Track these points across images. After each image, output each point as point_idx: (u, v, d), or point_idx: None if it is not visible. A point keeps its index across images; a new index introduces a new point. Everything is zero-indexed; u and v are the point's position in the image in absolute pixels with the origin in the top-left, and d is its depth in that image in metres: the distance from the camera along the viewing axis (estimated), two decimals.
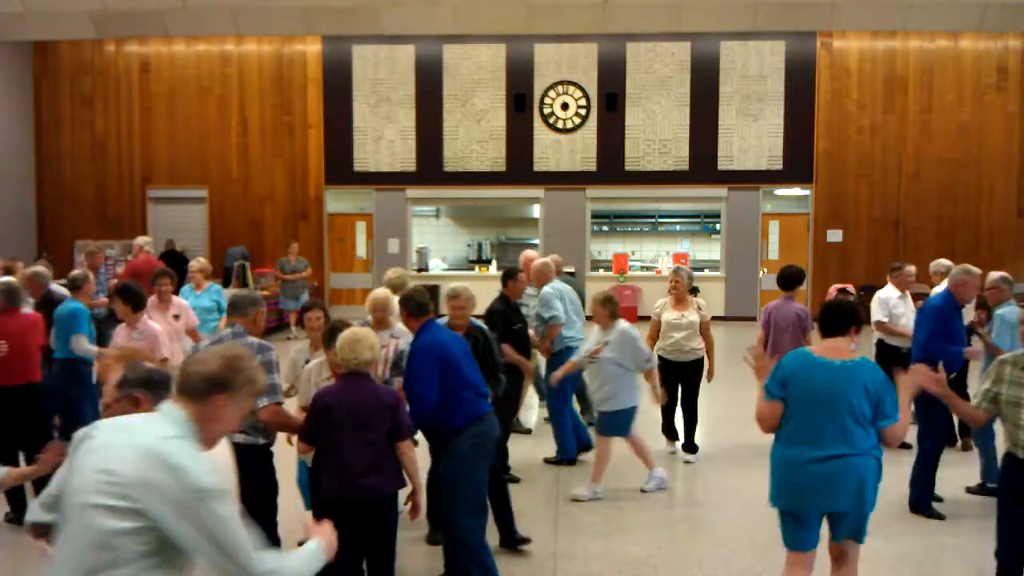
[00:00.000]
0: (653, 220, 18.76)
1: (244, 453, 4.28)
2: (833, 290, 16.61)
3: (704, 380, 7.95)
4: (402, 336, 5.75)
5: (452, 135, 17.32)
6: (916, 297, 8.72)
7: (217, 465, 2.67)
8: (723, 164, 17.01)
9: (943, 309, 6.55)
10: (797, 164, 16.91)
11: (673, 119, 17.02)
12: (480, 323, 6.51)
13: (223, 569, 2.46)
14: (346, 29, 16.51)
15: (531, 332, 7.66)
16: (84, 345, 6.88)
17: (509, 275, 7.45)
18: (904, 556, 5.71)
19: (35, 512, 2.87)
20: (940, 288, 8.39)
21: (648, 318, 8.28)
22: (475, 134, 17.27)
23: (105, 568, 2.39)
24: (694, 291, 17.19)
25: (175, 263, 14.13)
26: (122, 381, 3.04)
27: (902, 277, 8.44)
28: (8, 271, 8.91)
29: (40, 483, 3.59)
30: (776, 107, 16.86)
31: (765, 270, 17.22)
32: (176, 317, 7.83)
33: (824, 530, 4.31)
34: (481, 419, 4.94)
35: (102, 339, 8.22)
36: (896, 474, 6.18)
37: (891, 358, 7.69)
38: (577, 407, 8.42)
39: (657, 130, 17.06)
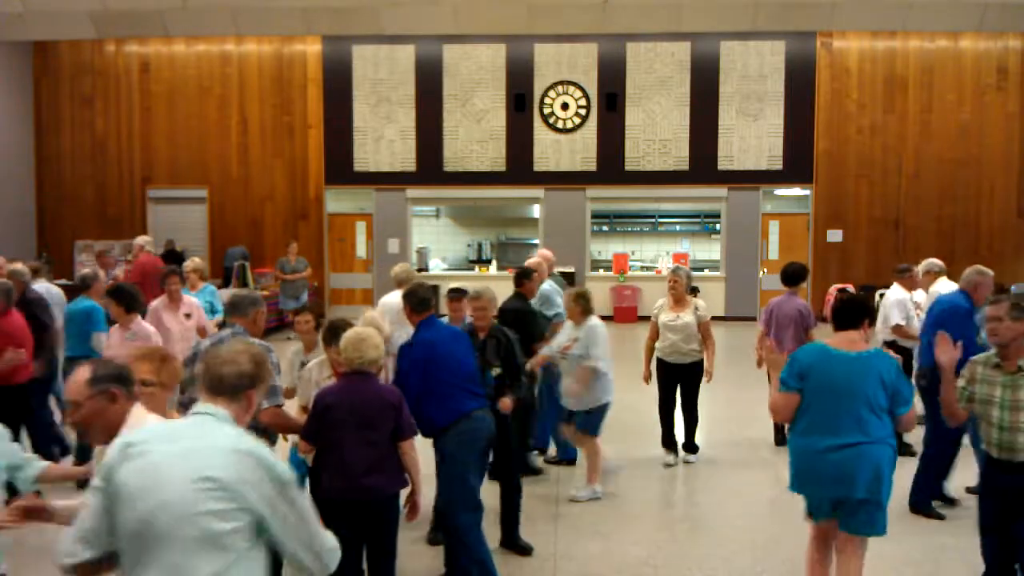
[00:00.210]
0: (653, 220, 18.76)
1: None
2: (833, 290, 16.68)
3: (704, 381, 7.91)
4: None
5: (452, 135, 17.33)
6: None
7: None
8: (723, 164, 17.01)
9: (960, 311, 6.46)
10: (797, 164, 16.92)
11: (673, 119, 17.02)
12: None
13: (304, 549, 2.63)
14: (346, 29, 16.51)
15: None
16: (104, 342, 6.93)
17: (525, 275, 7.54)
18: (904, 556, 5.71)
19: (77, 551, 2.60)
20: (936, 287, 8.41)
21: (648, 318, 8.27)
22: (475, 134, 17.27)
23: (225, 570, 2.50)
24: (694, 291, 17.27)
25: (175, 263, 14.11)
26: (94, 377, 3.01)
27: (911, 278, 8.42)
28: None
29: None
30: (776, 107, 16.86)
31: (765, 270, 17.22)
32: (187, 316, 7.73)
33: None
34: (468, 416, 4.94)
35: None
36: (897, 474, 6.14)
37: (906, 362, 7.64)
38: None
39: (657, 130, 17.06)
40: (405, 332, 5.94)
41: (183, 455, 2.54)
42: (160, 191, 17.89)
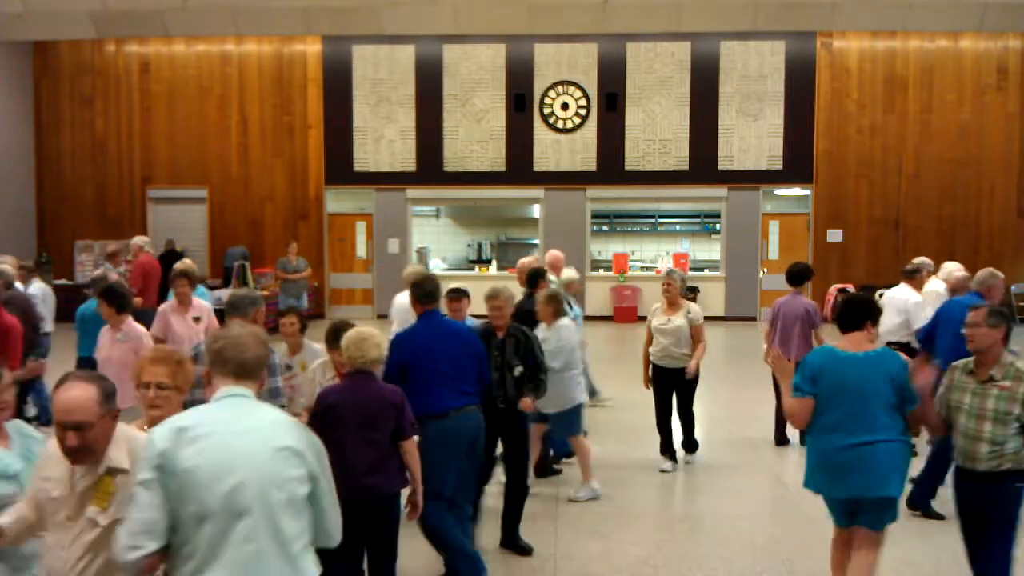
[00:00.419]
0: (653, 220, 18.76)
1: None
2: (833, 290, 16.65)
3: (699, 384, 7.88)
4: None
5: (452, 135, 17.32)
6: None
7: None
8: (723, 164, 17.01)
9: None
10: (797, 164, 16.91)
11: (673, 119, 17.02)
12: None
13: (335, 513, 2.92)
14: (346, 29, 16.50)
15: None
16: None
17: (540, 275, 7.61)
18: (904, 557, 5.71)
19: (143, 543, 2.62)
20: (930, 287, 8.40)
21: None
22: (475, 134, 17.27)
23: (300, 534, 2.76)
24: (694, 291, 17.30)
25: (175, 263, 14.09)
26: (105, 396, 2.95)
27: (920, 279, 8.41)
28: None
29: None
30: (776, 107, 16.86)
31: (765, 270, 17.22)
32: (197, 320, 7.45)
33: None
34: (445, 415, 4.93)
35: None
36: None
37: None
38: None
39: (657, 130, 17.06)
40: None
41: (251, 430, 2.75)
42: (160, 191, 17.89)
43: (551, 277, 8.31)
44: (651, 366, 7.63)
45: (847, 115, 16.83)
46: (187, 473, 2.63)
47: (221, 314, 6.64)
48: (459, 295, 6.34)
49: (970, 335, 4.37)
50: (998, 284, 6.58)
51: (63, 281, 16.89)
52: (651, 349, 7.57)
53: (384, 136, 17.40)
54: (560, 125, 17.15)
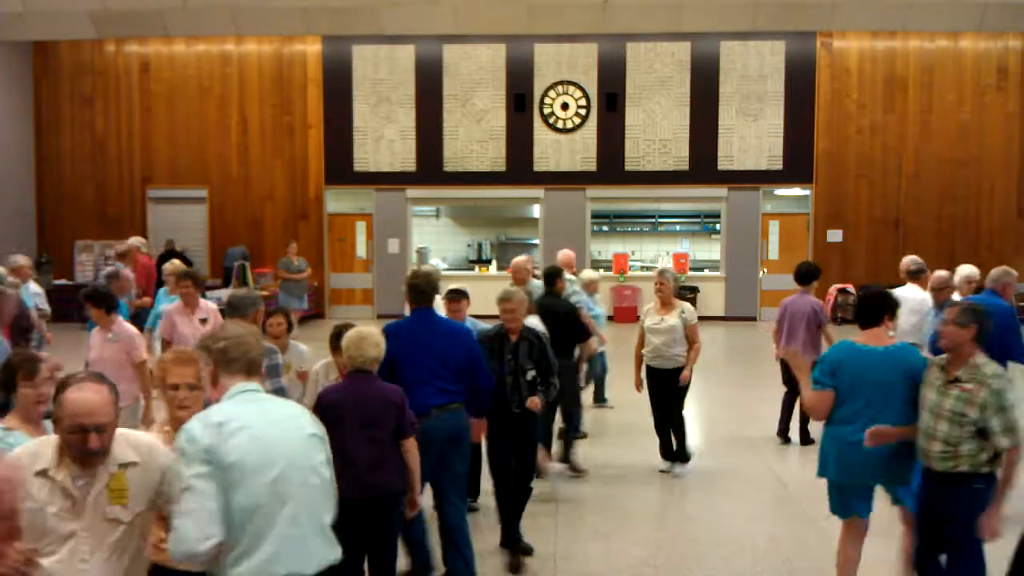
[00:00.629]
0: (653, 220, 18.76)
1: None
2: (833, 290, 16.66)
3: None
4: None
5: (452, 135, 17.32)
6: None
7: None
8: (723, 164, 17.01)
9: (1006, 311, 6.51)
10: (797, 164, 16.91)
11: (673, 119, 17.02)
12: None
13: (334, 486, 3.16)
14: (346, 29, 16.50)
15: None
16: None
17: (556, 274, 7.66)
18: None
19: (215, 532, 2.76)
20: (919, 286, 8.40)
21: None
22: (475, 134, 17.27)
23: (329, 512, 3.07)
24: (694, 291, 17.30)
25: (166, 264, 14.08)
26: (116, 397, 2.95)
27: (926, 278, 8.41)
28: None
29: None
30: (776, 107, 16.86)
31: (765, 270, 17.23)
32: (203, 321, 7.31)
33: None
34: (427, 413, 4.92)
35: None
36: None
37: None
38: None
39: (657, 130, 17.06)
40: None
41: (280, 421, 2.98)
42: (160, 191, 17.89)
43: (567, 276, 8.39)
44: (645, 368, 7.53)
45: (847, 115, 16.83)
46: (232, 466, 2.79)
47: (222, 315, 6.64)
48: (458, 296, 6.34)
49: (941, 333, 4.39)
50: (1012, 282, 6.65)
51: (63, 281, 16.90)
52: (644, 350, 7.47)
53: (384, 136, 17.40)
54: (560, 125, 17.15)
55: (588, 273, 9.46)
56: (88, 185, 17.98)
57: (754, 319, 17.05)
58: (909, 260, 8.75)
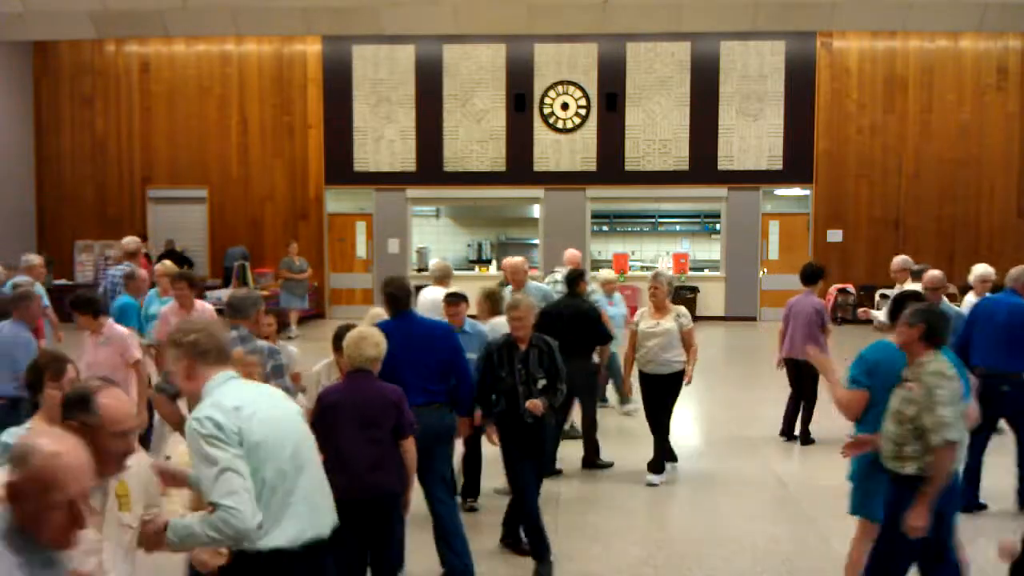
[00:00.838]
0: (653, 220, 18.75)
1: None
2: (833, 290, 16.64)
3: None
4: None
5: (452, 135, 17.32)
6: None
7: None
8: (723, 164, 17.01)
9: (1019, 310, 6.51)
10: (797, 164, 16.91)
11: (673, 119, 17.02)
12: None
13: None
14: (346, 29, 16.50)
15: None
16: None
17: (580, 276, 7.66)
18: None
19: (258, 508, 2.98)
20: (908, 286, 8.39)
21: None
22: (475, 134, 17.27)
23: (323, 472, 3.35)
24: (694, 291, 17.28)
25: (176, 264, 14.08)
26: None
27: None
28: None
29: None
30: (776, 107, 16.86)
31: (765, 270, 17.22)
32: None
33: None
34: None
35: None
36: None
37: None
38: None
39: (657, 130, 17.06)
40: None
41: (276, 400, 3.24)
42: (160, 191, 17.89)
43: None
44: (638, 375, 7.39)
45: (847, 115, 16.82)
46: (259, 445, 3.00)
47: (222, 314, 6.63)
48: (456, 300, 6.37)
49: (896, 331, 4.44)
50: None
51: (63, 281, 16.89)
52: (637, 354, 7.29)
53: (384, 136, 17.40)
54: (560, 125, 17.15)
55: (606, 273, 9.44)
56: (88, 185, 17.98)
57: (754, 319, 17.05)
58: (902, 260, 8.77)
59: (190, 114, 17.66)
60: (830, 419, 6.82)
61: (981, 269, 7.97)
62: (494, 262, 18.24)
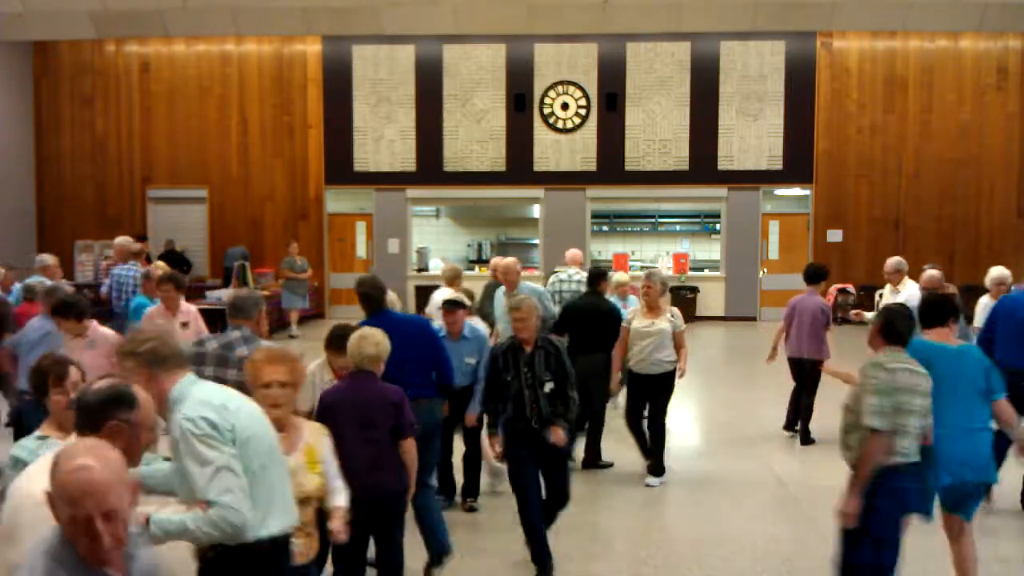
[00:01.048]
0: (653, 220, 18.75)
1: None
2: (833, 290, 16.63)
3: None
4: None
5: (452, 135, 17.32)
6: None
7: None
8: (723, 164, 17.00)
9: None
10: (797, 164, 16.91)
11: (673, 119, 17.02)
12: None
13: None
14: (346, 29, 16.50)
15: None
16: None
17: (601, 275, 7.74)
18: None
19: (249, 504, 3.06)
20: (904, 287, 8.41)
21: None
22: (475, 134, 17.27)
23: None
24: (694, 291, 17.26)
25: (175, 264, 14.10)
26: None
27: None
28: None
29: None
30: (776, 107, 16.86)
31: (765, 270, 17.22)
32: (184, 325, 7.17)
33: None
34: None
35: None
36: None
37: None
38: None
39: (657, 130, 17.06)
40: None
41: (243, 397, 3.24)
42: (160, 191, 17.89)
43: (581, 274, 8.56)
44: (627, 373, 7.32)
45: (847, 115, 16.82)
46: (248, 441, 3.08)
47: (222, 314, 6.61)
48: (454, 307, 6.36)
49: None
50: None
51: (63, 281, 16.88)
52: (629, 354, 7.22)
53: (384, 136, 17.40)
54: (560, 125, 17.15)
55: (619, 276, 9.46)
56: (88, 185, 17.99)
57: (754, 319, 17.05)
58: (896, 262, 8.77)
59: (190, 114, 17.66)
60: (830, 419, 6.81)
61: (997, 272, 7.95)
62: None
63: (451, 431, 6.71)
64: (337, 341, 4.86)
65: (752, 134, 16.93)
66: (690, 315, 16.69)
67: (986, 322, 6.83)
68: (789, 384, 8.69)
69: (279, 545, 3.22)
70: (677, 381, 7.35)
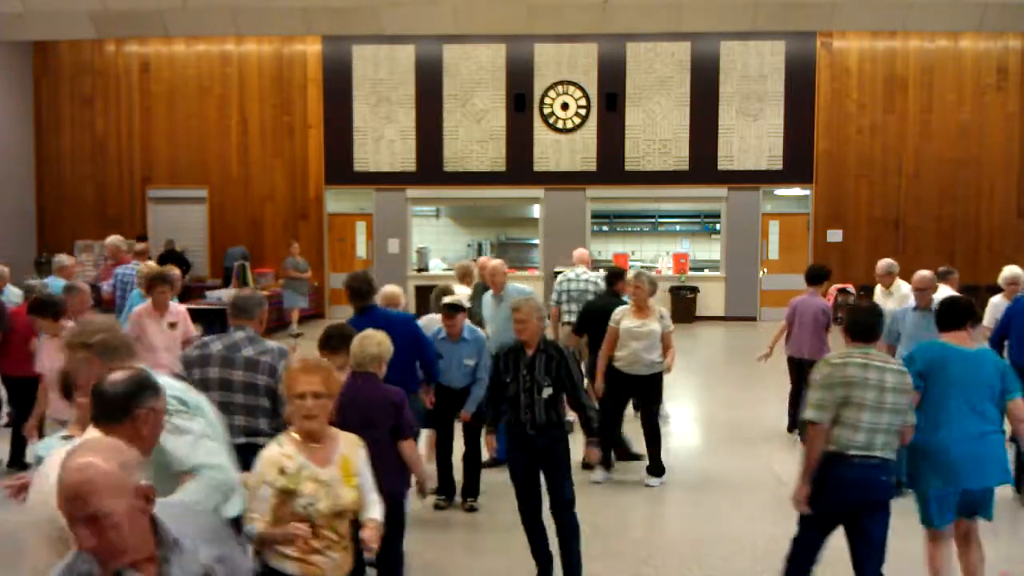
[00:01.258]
0: (653, 220, 18.75)
1: None
2: (833, 290, 16.63)
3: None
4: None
5: (452, 135, 17.32)
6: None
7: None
8: (723, 164, 17.01)
9: None
10: (797, 164, 16.91)
11: (673, 119, 17.02)
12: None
13: None
14: (346, 29, 16.50)
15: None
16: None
17: (619, 275, 7.75)
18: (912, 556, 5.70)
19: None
20: (895, 289, 8.42)
21: None
22: (475, 134, 17.27)
23: None
24: (694, 291, 17.25)
25: (175, 264, 14.09)
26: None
27: (954, 280, 8.44)
28: None
29: None
30: (776, 107, 16.86)
31: (765, 270, 17.22)
32: (172, 325, 7.10)
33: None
34: None
35: None
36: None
37: None
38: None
39: (657, 130, 17.06)
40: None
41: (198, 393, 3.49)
42: (160, 191, 17.89)
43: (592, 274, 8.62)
44: (610, 372, 7.18)
45: (847, 115, 16.82)
46: (209, 414, 3.31)
47: (223, 314, 6.61)
48: (453, 311, 6.39)
49: None
50: None
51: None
52: (618, 354, 7.09)
53: (384, 136, 17.40)
54: (560, 125, 17.15)
55: (628, 276, 9.46)
56: (88, 185, 17.99)
57: (754, 319, 17.05)
58: (887, 264, 8.77)
59: (190, 114, 17.66)
60: None
61: (1010, 271, 7.91)
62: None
63: (451, 431, 6.72)
64: (331, 341, 4.86)
65: (752, 134, 16.93)
66: (690, 315, 16.70)
67: (1001, 321, 6.86)
68: (789, 384, 8.68)
69: (238, 528, 3.31)
70: (675, 380, 7.36)
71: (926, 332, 6.54)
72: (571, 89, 17.08)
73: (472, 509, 6.57)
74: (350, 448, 3.53)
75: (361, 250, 17.85)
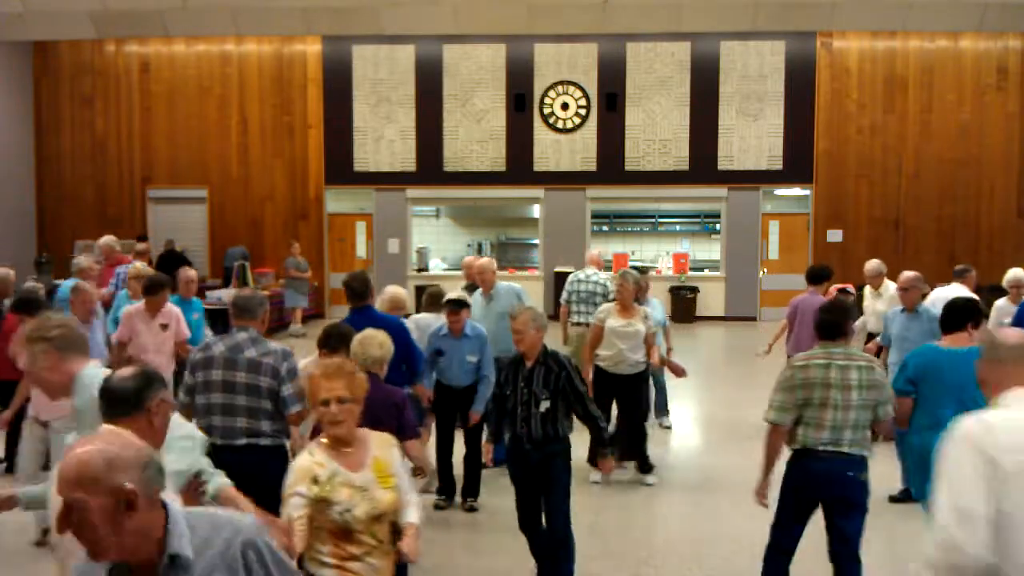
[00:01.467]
0: (653, 220, 18.76)
1: (271, 453, 4.54)
2: (834, 290, 16.61)
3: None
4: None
5: (452, 135, 17.32)
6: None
7: None
8: (723, 164, 17.01)
9: None
10: (797, 164, 16.91)
11: (673, 119, 17.02)
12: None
13: None
14: (346, 29, 16.50)
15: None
16: None
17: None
18: (909, 555, 5.71)
19: None
20: (884, 290, 8.43)
21: None
22: (475, 134, 17.27)
23: None
24: (694, 291, 17.25)
25: (175, 264, 14.09)
26: None
27: (971, 278, 8.44)
28: None
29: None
30: (776, 107, 16.86)
31: (765, 270, 17.22)
32: (164, 327, 7.04)
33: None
34: None
35: None
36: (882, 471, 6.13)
37: None
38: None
39: (657, 130, 17.06)
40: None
41: None
42: (160, 191, 17.89)
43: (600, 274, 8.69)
44: (595, 371, 7.15)
45: (847, 115, 16.82)
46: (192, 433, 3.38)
47: (223, 314, 6.61)
48: (458, 307, 6.41)
49: None
50: None
51: (63, 281, 16.89)
52: (603, 353, 7.05)
53: (384, 136, 17.40)
54: (560, 125, 17.15)
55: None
56: (88, 185, 17.99)
57: (754, 319, 17.05)
58: (876, 265, 8.84)
59: (190, 114, 17.66)
60: None
61: (1013, 274, 7.94)
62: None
63: (451, 430, 6.73)
64: (330, 340, 4.87)
65: (752, 134, 16.93)
66: (690, 315, 16.70)
67: (1012, 324, 6.83)
68: None
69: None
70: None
71: (913, 334, 6.56)
72: (571, 89, 17.08)
73: (472, 509, 6.57)
74: (383, 449, 3.43)
75: (361, 250, 17.85)
